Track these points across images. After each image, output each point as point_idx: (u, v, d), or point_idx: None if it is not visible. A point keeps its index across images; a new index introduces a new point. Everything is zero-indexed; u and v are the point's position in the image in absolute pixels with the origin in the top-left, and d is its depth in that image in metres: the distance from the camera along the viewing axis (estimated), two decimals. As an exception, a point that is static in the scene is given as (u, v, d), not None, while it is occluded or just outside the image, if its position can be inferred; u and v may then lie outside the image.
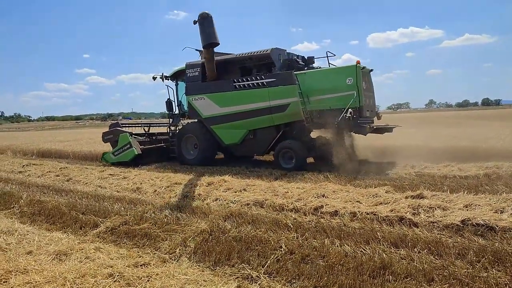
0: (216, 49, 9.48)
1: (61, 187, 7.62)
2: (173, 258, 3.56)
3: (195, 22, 8.74)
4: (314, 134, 9.61)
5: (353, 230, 4.12)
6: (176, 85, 11.33)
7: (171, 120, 11.41)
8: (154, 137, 11.98)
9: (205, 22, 8.32)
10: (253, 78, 9.31)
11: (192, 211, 5.25)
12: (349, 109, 8.09)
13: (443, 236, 3.82)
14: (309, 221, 4.58)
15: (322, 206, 5.00)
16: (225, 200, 5.80)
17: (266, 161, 10.35)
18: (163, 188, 6.92)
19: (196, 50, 10.77)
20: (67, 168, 9.94)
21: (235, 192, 6.23)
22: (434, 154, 9.17)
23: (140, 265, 3.17)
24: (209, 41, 8.46)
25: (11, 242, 3.79)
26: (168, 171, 9.10)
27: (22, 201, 6.15)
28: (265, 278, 3.04)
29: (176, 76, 11.24)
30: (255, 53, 9.49)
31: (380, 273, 3.03)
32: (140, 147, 10.72)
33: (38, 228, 4.57)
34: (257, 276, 3.06)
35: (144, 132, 12.05)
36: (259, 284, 2.92)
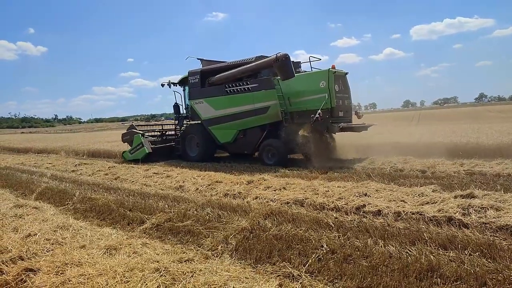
0: (212, 58, 11.51)
1: (109, 185, 8.03)
2: (215, 255, 3.63)
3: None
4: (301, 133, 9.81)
5: (397, 230, 3.98)
6: (184, 90, 12.55)
7: (176, 122, 12.91)
8: (164, 137, 13.32)
9: (286, 61, 9.10)
10: (241, 83, 10.35)
11: (232, 209, 5.33)
12: (318, 110, 8.90)
13: (497, 238, 3.60)
14: (350, 220, 4.49)
15: (364, 205, 4.88)
16: (265, 199, 5.83)
17: (304, 160, 10.26)
18: (205, 186, 7.08)
19: (198, 59, 12.17)
20: (114, 167, 10.45)
21: (275, 190, 6.24)
22: (485, 150, 8.67)
23: (184, 261, 3.27)
24: (290, 77, 9.30)
25: (67, 237, 4.05)
26: (209, 170, 9.29)
27: (75, 198, 6.55)
28: (307, 277, 3.02)
29: (184, 82, 12.36)
30: (243, 61, 10.64)
31: (427, 276, 2.91)
32: (151, 146, 12.07)
33: (90, 224, 4.84)
34: (298, 275, 3.05)
35: (159, 132, 13.56)
36: (300, 283, 2.91)
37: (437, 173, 7.28)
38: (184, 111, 12.63)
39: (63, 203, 6.32)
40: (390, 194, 5.28)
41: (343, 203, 5.11)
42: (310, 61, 9.64)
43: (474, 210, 4.29)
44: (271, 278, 2.97)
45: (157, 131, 13.86)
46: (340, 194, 5.53)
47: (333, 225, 4.28)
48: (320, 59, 10.28)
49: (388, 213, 4.56)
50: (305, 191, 5.99)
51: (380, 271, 3.01)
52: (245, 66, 10.28)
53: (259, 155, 10.34)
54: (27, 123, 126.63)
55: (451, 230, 3.90)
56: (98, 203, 6.05)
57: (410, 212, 4.51)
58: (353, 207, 4.92)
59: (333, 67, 9.37)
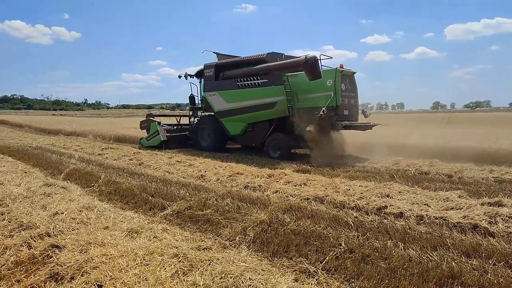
0: (226, 52, 12.21)
1: (133, 170, 8.24)
2: (233, 245, 3.67)
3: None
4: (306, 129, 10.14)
5: (419, 234, 3.90)
6: (200, 82, 12.93)
7: (191, 112, 13.51)
8: (180, 126, 13.95)
9: (316, 63, 9.29)
10: (252, 78, 10.72)
11: (252, 201, 5.36)
12: (323, 108, 9.05)
13: (524, 250, 3.45)
14: (371, 221, 4.43)
15: (386, 207, 4.79)
16: (284, 193, 5.82)
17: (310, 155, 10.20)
18: (226, 177, 7.14)
19: (214, 52, 12.57)
20: (139, 153, 10.71)
21: (295, 186, 6.22)
22: None
23: (202, 249, 3.32)
24: (317, 78, 9.37)
25: (91, 217, 4.19)
26: (231, 161, 9.37)
27: (101, 180, 6.76)
28: (323, 274, 3.01)
29: (200, 74, 12.78)
30: (254, 57, 11.00)
31: (447, 282, 2.84)
32: (166, 134, 12.75)
33: (113, 206, 4.99)
34: (314, 271, 3.05)
35: (176, 121, 14.26)
36: (316, 280, 2.90)
37: (464, 178, 7.05)
38: (199, 103, 13.08)
39: (89, 184, 6.54)
40: (414, 197, 5.16)
41: (364, 202, 5.04)
42: (320, 59, 9.57)
43: (502, 219, 4.14)
44: (287, 272, 2.97)
45: (173, 120, 14.51)
46: (361, 193, 5.45)
47: (352, 224, 4.24)
48: (331, 57, 10.40)
49: (410, 216, 4.47)
50: (326, 188, 5.94)
51: (398, 274, 2.96)
52: (270, 64, 10.46)
53: (265, 148, 10.74)
54: (58, 105, 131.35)
55: (476, 238, 3.78)
56: (122, 187, 6.22)
57: (434, 216, 4.39)
58: (374, 207, 4.85)
59: (341, 66, 9.63)
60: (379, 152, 10.10)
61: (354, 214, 4.70)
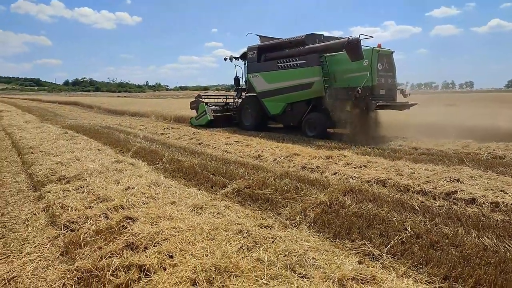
0: (269, 34, 13.10)
1: (194, 149, 8.57)
2: (293, 225, 3.70)
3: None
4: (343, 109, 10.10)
5: (494, 222, 3.62)
6: (244, 64, 13.31)
7: (235, 93, 13.97)
8: (226, 107, 14.55)
9: (358, 44, 9.37)
10: (291, 60, 11.05)
11: (310, 182, 5.32)
12: (358, 87, 9.27)
13: None
14: (439, 206, 4.19)
15: (456, 192, 4.50)
16: (344, 175, 5.70)
17: (385, 138, 9.74)
18: (282, 157, 7.16)
19: (257, 35, 12.95)
20: (198, 133, 11.10)
21: (355, 168, 6.07)
22: None
23: (264, 227, 3.39)
24: (359, 59, 9.55)
25: (159, 192, 4.45)
26: (287, 142, 9.36)
27: (165, 158, 7.12)
28: (388, 258, 2.92)
29: (244, 57, 13.18)
30: (294, 38, 11.35)
31: (530, 275, 2.62)
32: (213, 114, 13.63)
33: (178, 183, 5.25)
34: (379, 255, 2.97)
35: (223, 102, 14.93)
36: (381, 263, 2.83)
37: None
38: (243, 84, 13.51)
39: (154, 162, 6.92)
40: (488, 183, 4.78)
41: (431, 187, 4.77)
42: (360, 39, 9.41)
43: None
44: (350, 254, 2.94)
45: (220, 101, 15.21)
46: (427, 177, 5.17)
47: (418, 209, 4.04)
48: (372, 37, 10.76)
49: (484, 203, 4.15)
50: (388, 171, 5.72)
51: (472, 262, 2.78)
52: (316, 45, 10.82)
53: (302, 127, 11.11)
54: (123, 87, 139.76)
55: None
56: (184, 165, 6.51)
57: (511, 204, 4.04)
58: (442, 192, 4.57)
59: (379, 46, 9.86)
60: (444, 134, 9.46)
61: (420, 199, 4.47)
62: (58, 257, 3.02)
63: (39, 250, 3.13)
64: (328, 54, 10.37)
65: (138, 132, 11.91)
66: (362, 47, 9.59)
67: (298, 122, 11.38)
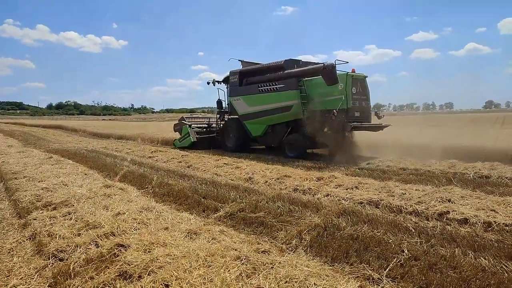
0: (250, 60, 13.57)
1: (183, 172, 8.46)
2: (290, 249, 3.64)
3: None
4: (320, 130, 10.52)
5: (489, 242, 3.64)
6: (227, 87, 13.75)
7: (218, 116, 14.32)
8: (209, 129, 14.89)
9: (333, 69, 9.96)
10: (271, 84, 11.61)
11: (303, 204, 5.29)
12: (334, 110, 9.77)
13: None
14: (433, 227, 4.20)
15: (448, 212, 4.54)
16: (336, 197, 5.70)
17: (364, 158, 9.88)
18: (273, 179, 7.12)
19: (239, 60, 13.60)
20: (187, 155, 10.99)
21: (347, 189, 6.08)
22: None
23: (261, 252, 3.31)
24: (334, 83, 10.08)
25: (151, 218, 4.34)
26: (277, 163, 9.35)
27: (154, 182, 7.00)
28: (388, 281, 2.89)
29: (226, 80, 13.69)
30: (273, 64, 11.99)
31: (530, 296, 2.62)
32: (196, 136, 13.99)
33: (169, 208, 5.13)
34: (379, 279, 2.93)
35: (206, 124, 15.28)
36: (382, 287, 2.79)
37: None
38: (226, 107, 13.97)
39: (143, 186, 6.79)
40: (478, 202, 4.85)
41: (423, 207, 4.81)
42: (336, 65, 10.06)
43: None
44: (350, 278, 2.88)
45: (203, 123, 15.50)
46: (419, 197, 5.21)
47: (413, 230, 4.05)
48: (347, 62, 10.96)
49: (476, 222, 4.19)
50: (379, 192, 5.75)
51: (473, 285, 2.77)
52: (294, 70, 11.36)
53: (282, 148, 11.55)
54: (108, 110, 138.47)
55: (556, 248, 3.46)
56: (174, 188, 6.40)
57: (503, 223, 4.09)
58: (435, 212, 4.60)
59: (353, 71, 10.35)
60: (429, 155, 9.64)
61: (413, 220, 4.49)
62: (47, 289, 2.87)
63: (26, 282, 2.97)
64: (306, 78, 10.92)
65: (125, 156, 11.73)
66: (337, 71, 10.14)
67: (279, 143, 11.84)
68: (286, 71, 11.42)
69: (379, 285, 2.84)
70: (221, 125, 14.17)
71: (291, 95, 10.97)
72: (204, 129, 14.89)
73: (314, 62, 11.76)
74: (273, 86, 11.53)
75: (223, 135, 13.74)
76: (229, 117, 13.80)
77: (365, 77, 10.86)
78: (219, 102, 14.20)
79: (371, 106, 11.22)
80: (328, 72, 9.94)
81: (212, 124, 15.04)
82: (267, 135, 12.23)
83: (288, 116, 11.23)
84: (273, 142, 12.23)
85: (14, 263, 3.36)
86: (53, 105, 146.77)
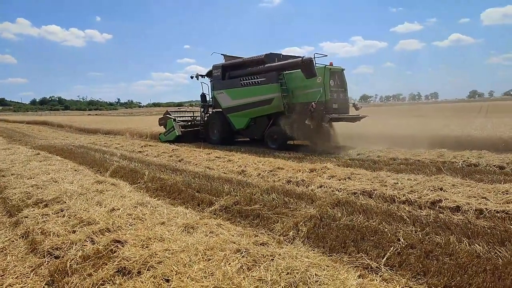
0: (232, 53, 13.87)
1: (175, 166, 8.40)
2: (287, 241, 3.65)
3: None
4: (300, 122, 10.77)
5: (482, 229, 3.72)
6: (211, 81, 13.98)
7: (202, 109, 14.59)
8: (193, 122, 15.07)
9: (311, 63, 10.33)
10: (252, 77, 11.83)
11: (297, 196, 5.31)
12: (312, 102, 10.12)
13: None
14: (426, 215, 4.27)
15: (440, 200, 4.61)
16: (330, 188, 5.73)
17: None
18: (266, 172, 7.13)
19: (221, 54, 13.85)
20: (177, 150, 10.91)
21: (339, 180, 6.12)
22: None
23: (260, 244, 3.32)
24: (312, 77, 10.38)
25: (146, 213, 4.29)
26: (269, 156, 9.36)
27: (146, 177, 6.93)
28: (387, 270, 2.93)
29: (210, 74, 13.90)
30: (255, 57, 12.24)
31: (524, 280, 2.68)
32: (181, 130, 14.14)
33: (164, 202, 5.09)
34: (377, 267, 2.97)
35: (191, 117, 15.47)
36: (380, 276, 2.82)
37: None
38: (210, 100, 14.19)
39: (135, 181, 6.72)
40: (469, 190, 4.94)
41: (416, 196, 4.88)
42: (315, 58, 10.54)
43: None
44: (349, 268, 2.91)
45: (188, 117, 15.70)
46: (411, 187, 5.28)
47: (407, 219, 4.10)
48: (326, 55, 11.31)
49: (468, 210, 4.27)
50: (372, 182, 5.81)
51: (470, 271, 2.82)
52: (274, 64, 11.66)
53: (265, 140, 11.83)
54: (93, 105, 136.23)
55: (546, 233, 3.55)
56: (167, 183, 6.35)
57: (494, 210, 4.18)
58: (427, 201, 4.67)
59: (331, 64, 10.75)
60: (417, 144, 9.79)
61: (407, 209, 4.55)
62: (44, 287, 2.82)
63: (22, 281, 2.92)
64: (286, 72, 11.19)
65: (114, 151, 11.57)
66: (317, 65, 10.54)
67: (261, 136, 12.15)
68: (266, 65, 11.72)
69: (377, 274, 2.87)
70: (205, 118, 14.38)
71: (272, 88, 11.24)
72: (189, 123, 15.08)
73: (295, 56, 12.00)
74: (254, 80, 11.80)
75: (207, 128, 13.94)
76: (213, 110, 14.02)
77: (343, 70, 11.21)
78: (203, 96, 14.41)
79: (349, 98, 11.65)
80: (306, 65, 10.27)
81: (197, 117, 15.31)
82: (250, 128, 12.53)
83: (269, 109, 11.51)
84: (256, 135, 12.58)
85: (8, 262, 3.28)
86: (37, 100, 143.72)
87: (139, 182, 6.61)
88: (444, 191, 4.96)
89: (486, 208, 4.24)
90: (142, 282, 2.61)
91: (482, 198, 4.61)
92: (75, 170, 7.43)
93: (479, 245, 3.30)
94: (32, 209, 4.71)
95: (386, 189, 5.32)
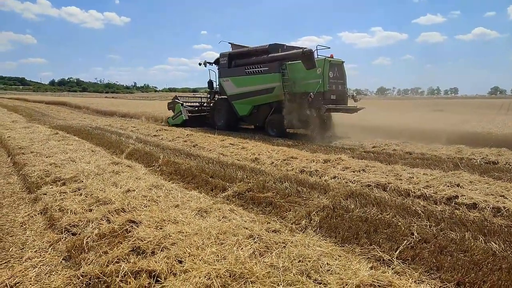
0: (239, 43, 14.38)
1: (189, 151, 8.47)
2: (299, 229, 3.65)
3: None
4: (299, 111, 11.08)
5: (498, 227, 3.65)
6: (218, 69, 14.36)
7: (209, 95, 15.23)
8: (200, 108, 15.62)
9: (311, 55, 10.69)
10: (256, 66, 12.29)
11: (311, 185, 5.30)
12: (311, 93, 10.54)
13: None
14: (441, 210, 4.21)
15: (457, 197, 4.53)
16: (343, 179, 5.70)
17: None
18: (280, 160, 7.13)
19: (229, 43, 14.38)
20: (192, 135, 11.00)
21: (354, 172, 6.07)
22: None
23: (272, 231, 3.34)
24: (313, 68, 10.78)
25: (160, 195, 4.36)
26: (282, 145, 9.34)
27: (160, 161, 7.00)
28: (399, 263, 2.91)
29: (217, 62, 14.31)
30: (259, 47, 12.61)
31: (540, 280, 2.63)
32: (188, 114, 14.71)
33: (178, 186, 5.15)
34: (389, 260, 2.95)
35: (198, 103, 16.10)
36: (393, 269, 2.81)
37: None
38: (217, 87, 14.66)
39: (150, 164, 6.80)
40: (487, 187, 4.84)
41: (432, 191, 4.80)
42: (317, 49, 10.90)
43: None
44: (361, 259, 2.91)
45: (195, 103, 16.29)
46: (427, 182, 5.20)
47: (422, 214, 4.06)
48: (329, 48, 11.49)
49: (485, 208, 4.18)
50: (387, 175, 5.75)
51: (484, 268, 2.78)
52: (276, 54, 11.95)
53: (265, 127, 12.31)
54: (110, 88, 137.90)
55: None
56: (181, 167, 6.42)
57: (513, 209, 4.09)
58: (443, 197, 4.60)
59: (331, 56, 11.05)
60: (435, 139, 9.61)
61: (422, 203, 4.49)
62: (61, 262, 2.91)
63: (40, 255, 3.01)
64: (288, 62, 11.47)
65: (130, 134, 11.73)
66: (318, 56, 10.91)
67: (263, 123, 12.63)
68: (270, 55, 12.07)
69: (389, 266, 2.86)
70: (212, 104, 14.85)
71: (274, 77, 11.63)
72: (196, 108, 15.60)
73: (297, 47, 12.24)
74: (258, 69, 12.22)
75: (213, 114, 14.39)
76: (219, 97, 14.46)
77: (342, 62, 11.53)
78: (210, 83, 14.87)
79: (348, 90, 12.03)
80: (307, 57, 10.64)
81: (204, 103, 15.85)
82: (253, 115, 13.02)
83: (271, 97, 11.93)
84: (258, 122, 13.07)
85: (27, 236, 3.40)
86: (56, 81, 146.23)
87: (154, 165, 6.69)
88: (461, 188, 4.87)
89: (504, 207, 4.15)
90: (156, 262, 2.66)
91: (500, 196, 4.50)
92: (92, 151, 7.56)
93: (495, 243, 3.24)
94: (50, 186, 4.84)
95: (401, 183, 5.25)
